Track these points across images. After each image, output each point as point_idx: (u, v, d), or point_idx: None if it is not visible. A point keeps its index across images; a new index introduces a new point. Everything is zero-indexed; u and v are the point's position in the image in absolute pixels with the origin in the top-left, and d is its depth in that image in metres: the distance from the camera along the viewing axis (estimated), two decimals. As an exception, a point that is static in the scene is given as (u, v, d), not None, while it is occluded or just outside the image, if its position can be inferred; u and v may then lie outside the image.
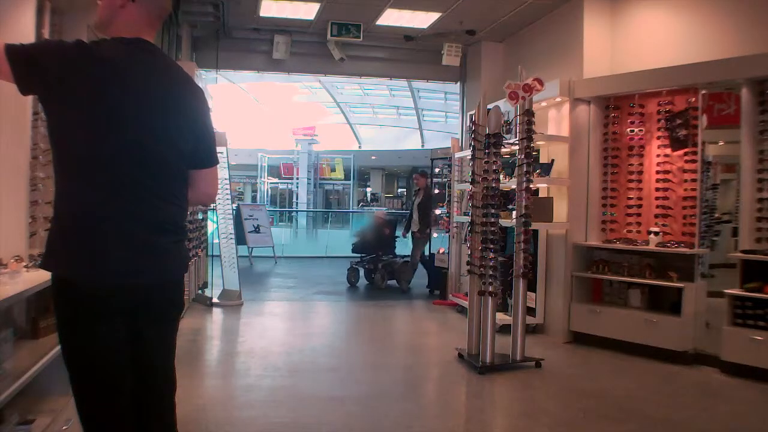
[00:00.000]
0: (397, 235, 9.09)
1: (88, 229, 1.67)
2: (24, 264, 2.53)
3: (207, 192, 2.00)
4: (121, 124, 1.70)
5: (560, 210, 5.71)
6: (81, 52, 1.68)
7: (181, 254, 1.90)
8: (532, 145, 4.91)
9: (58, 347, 2.47)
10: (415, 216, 8.61)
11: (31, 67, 1.64)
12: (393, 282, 8.66)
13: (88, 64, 1.67)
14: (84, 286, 1.67)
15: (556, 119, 5.91)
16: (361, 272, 9.08)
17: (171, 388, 1.93)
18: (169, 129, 1.78)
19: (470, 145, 5.09)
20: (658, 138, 5.42)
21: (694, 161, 5.18)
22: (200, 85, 1.93)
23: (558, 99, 5.73)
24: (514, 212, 5.04)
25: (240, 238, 10.42)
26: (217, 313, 6.76)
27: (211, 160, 1.96)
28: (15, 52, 1.63)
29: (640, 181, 5.54)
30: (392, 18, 7.12)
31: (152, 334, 1.83)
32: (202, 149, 1.91)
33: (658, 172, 5.40)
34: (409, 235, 8.88)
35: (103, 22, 1.82)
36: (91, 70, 1.67)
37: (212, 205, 8.09)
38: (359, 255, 9.04)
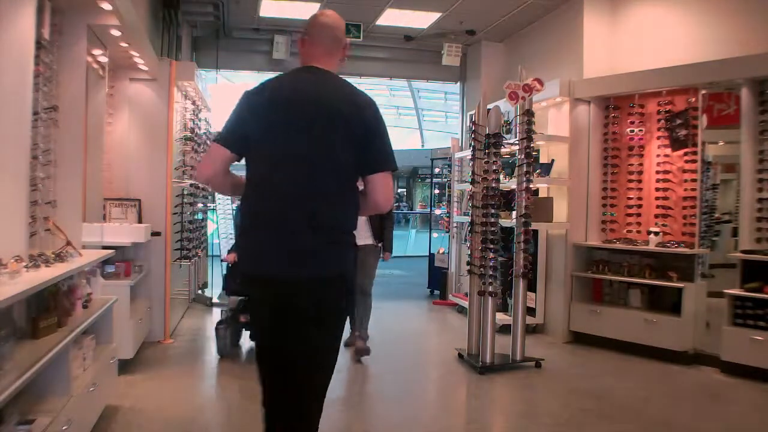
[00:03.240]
0: None
1: (251, 232, 2.01)
2: (24, 264, 2.52)
3: (374, 199, 2.06)
4: (278, 140, 1.97)
5: (560, 210, 5.71)
6: (254, 98, 2.04)
7: (333, 256, 1.98)
8: (532, 145, 4.91)
9: (58, 347, 2.49)
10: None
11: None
12: None
13: (259, 100, 2.02)
14: (249, 278, 2.02)
15: (556, 119, 5.91)
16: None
17: (312, 392, 2.02)
18: (329, 140, 1.96)
19: (470, 145, 5.09)
20: (658, 138, 5.42)
21: (694, 161, 5.18)
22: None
23: (558, 99, 5.73)
24: (514, 212, 5.04)
25: (240, 238, 10.37)
26: (217, 313, 6.74)
27: (376, 167, 2.03)
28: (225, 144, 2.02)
29: (640, 181, 5.54)
30: (392, 18, 7.12)
31: (296, 333, 1.95)
32: (369, 154, 2.02)
33: (658, 172, 5.40)
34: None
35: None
36: (261, 104, 2.01)
37: (212, 205, 8.10)
38: (245, 298, 4.79)
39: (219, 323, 4.95)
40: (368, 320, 5.06)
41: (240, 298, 5.00)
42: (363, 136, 2.00)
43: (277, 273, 1.94)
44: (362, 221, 5.02)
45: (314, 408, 2.06)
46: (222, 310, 5.18)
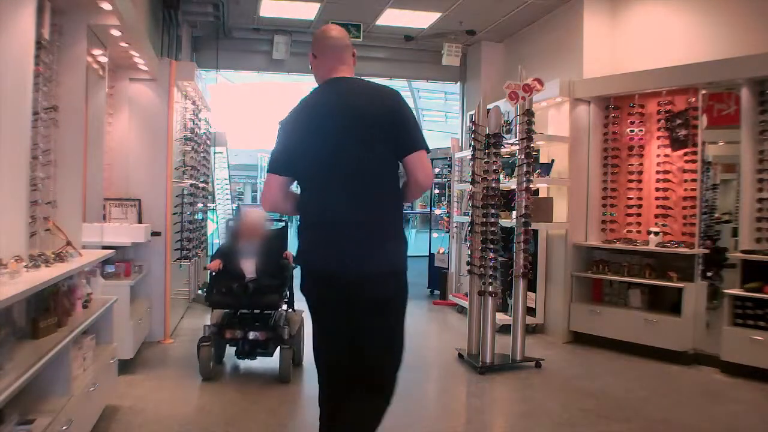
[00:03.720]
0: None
1: (307, 232, 2.20)
2: (24, 264, 2.52)
3: (415, 179, 2.20)
4: (314, 153, 2.13)
5: (560, 210, 5.71)
6: (288, 123, 2.22)
7: (385, 252, 2.15)
8: (532, 145, 4.91)
9: (58, 347, 2.49)
10: None
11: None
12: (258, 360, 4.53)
13: (293, 122, 2.21)
14: (311, 275, 2.22)
15: (556, 119, 5.91)
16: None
17: (383, 372, 2.38)
18: (361, 141, 2.11)
19: (470, 145, 5.09)
20: (658, 138, 5.42)
21: (694, 161, 5.18)
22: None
23: (558, 99, 5.73)
24: (514, 212, 5.04)
25: (240, 238, 10.37)
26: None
27: (413, 145, 2.17)
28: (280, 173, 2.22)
29: (640, 181, 5.53)
30: (392, 18, 7.12)
31: (363, 323, 2.19)
32: (400, 139, 2.16)
33: (658, 172, 5.40)
34: None
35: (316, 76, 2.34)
36: (295, 125, 2.20)
37: (212, 205, 8.10)
38: (231, 311, 4.50)
39: (202, 340, 4.28)
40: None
41: (225, 311, 4.49)
42: (392, 125, 2.14)
43: (330, 272, 2.13)
44: None
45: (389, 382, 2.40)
46: (205, 326, 4.47)
